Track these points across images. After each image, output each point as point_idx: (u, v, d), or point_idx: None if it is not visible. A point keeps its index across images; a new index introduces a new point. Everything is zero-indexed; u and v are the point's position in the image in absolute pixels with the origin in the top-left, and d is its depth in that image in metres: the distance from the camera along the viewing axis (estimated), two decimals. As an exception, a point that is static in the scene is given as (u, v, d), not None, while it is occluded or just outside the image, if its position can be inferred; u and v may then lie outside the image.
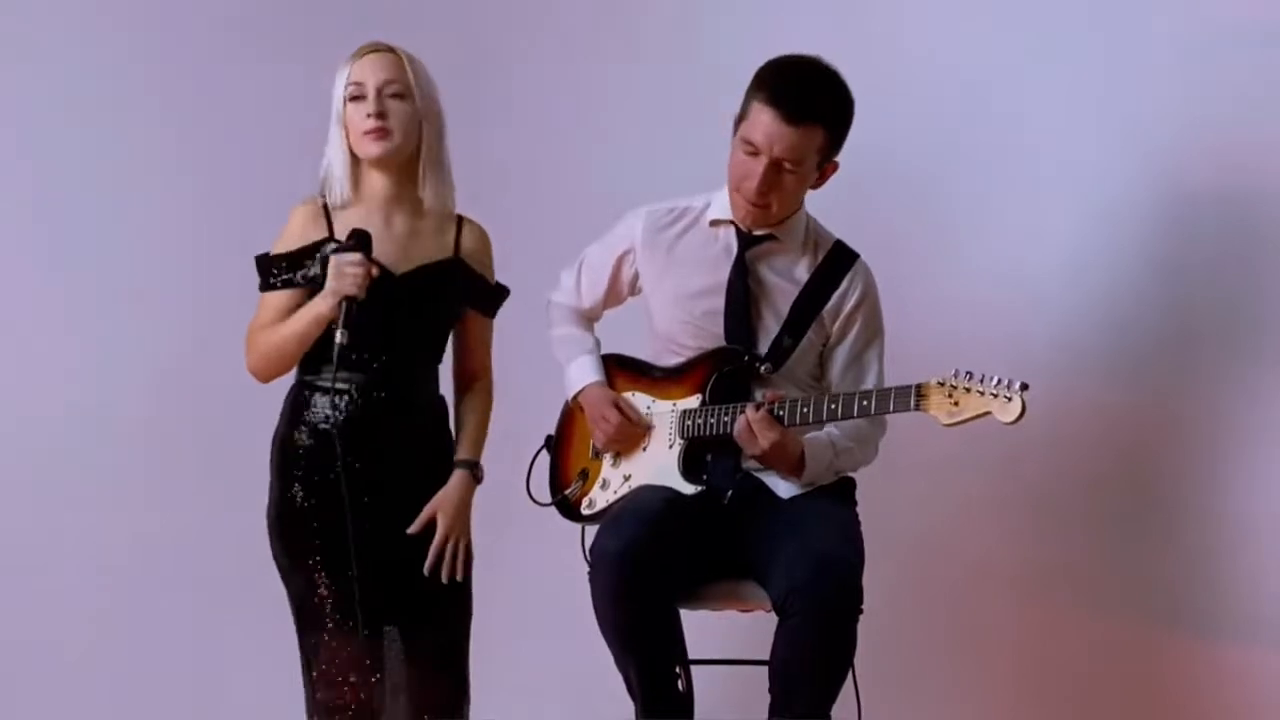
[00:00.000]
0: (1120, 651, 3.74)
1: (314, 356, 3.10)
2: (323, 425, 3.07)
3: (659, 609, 3.05)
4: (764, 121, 3.10)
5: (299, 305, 3.07)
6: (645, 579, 3.01)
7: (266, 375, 3.12)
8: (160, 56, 4.12)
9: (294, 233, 3.11)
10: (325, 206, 3.11)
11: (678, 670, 3.11)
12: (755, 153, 3.12)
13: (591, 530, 3.30)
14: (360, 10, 3.85)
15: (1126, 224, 3.76)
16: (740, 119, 3.18)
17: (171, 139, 4.12)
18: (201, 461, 4.07)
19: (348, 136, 3.08)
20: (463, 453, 3.18)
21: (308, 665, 3.08)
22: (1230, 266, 3.66)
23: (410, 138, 3.08)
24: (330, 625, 3.03)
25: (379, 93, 3.06)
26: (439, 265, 3.13)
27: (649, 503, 3.13)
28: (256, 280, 3.14)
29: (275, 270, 3.09)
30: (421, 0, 4.05)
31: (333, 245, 3.04)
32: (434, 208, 3.12)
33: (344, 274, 2.98)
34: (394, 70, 3.08)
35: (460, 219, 3.18)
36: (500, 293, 3.25)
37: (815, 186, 3.23)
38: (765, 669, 3.09)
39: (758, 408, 3.06)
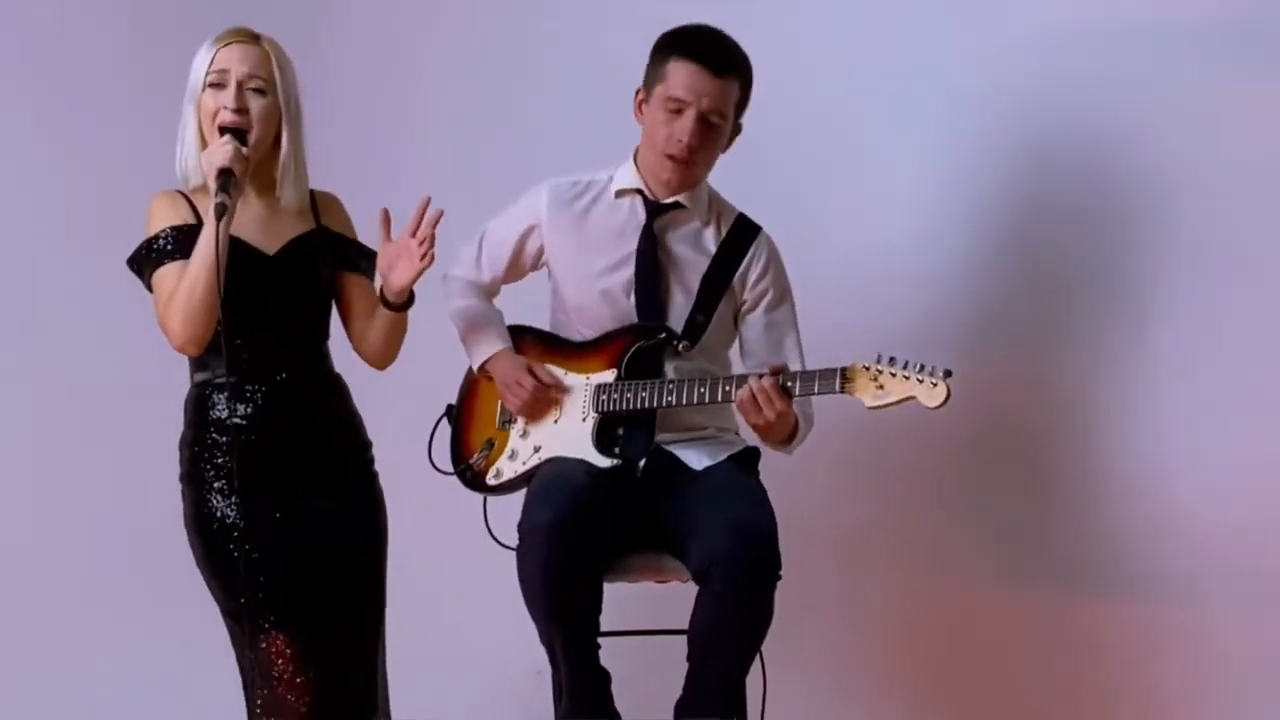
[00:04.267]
0: (991, 613, 3.84)
1: (201, 360, 3.02)
2: (233, 420, 3.00)
3: (588, 581, 3.07)
4: (688, 75, 3.16)
5: None
6: (577, 551, 3.02)
7: (195, 334, 2.93)
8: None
9: (163, 213, 3.01)
10: (184, 195, 3.02)
11: (599, 642, 3.14)
12: (680, 110, 3.16)
13: (496, 501, 3.31)
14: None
15: (989, 197, 3.84)
16: (653, 83, 3.20)
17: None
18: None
19: (200, 120, 2.99)
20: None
21: (250, 673, 3.02)
22: (1091, 236, 3.75)
23: (267, 133, 3.00)
24: (268, 630, 2.97)
25: (240, 86, 2.97)
26: (305, 238, 3.07)
27: (574, 476, 3.14)
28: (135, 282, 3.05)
29: (160, 244, 2.98)
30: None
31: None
32: (291, 204, 3.05)
33: (215, 152, 2.92)
34: (259, 64, 2.99)
35: (311, 192, 3.11)
36: (368, 251, 3.16)
37: (724, 149, 3.27)
38: (666, 639, 3.16)
39: (760, 377, 3.06)
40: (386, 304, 3.06)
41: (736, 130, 3.26)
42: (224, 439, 3.00)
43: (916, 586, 3.89)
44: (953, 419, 3.61)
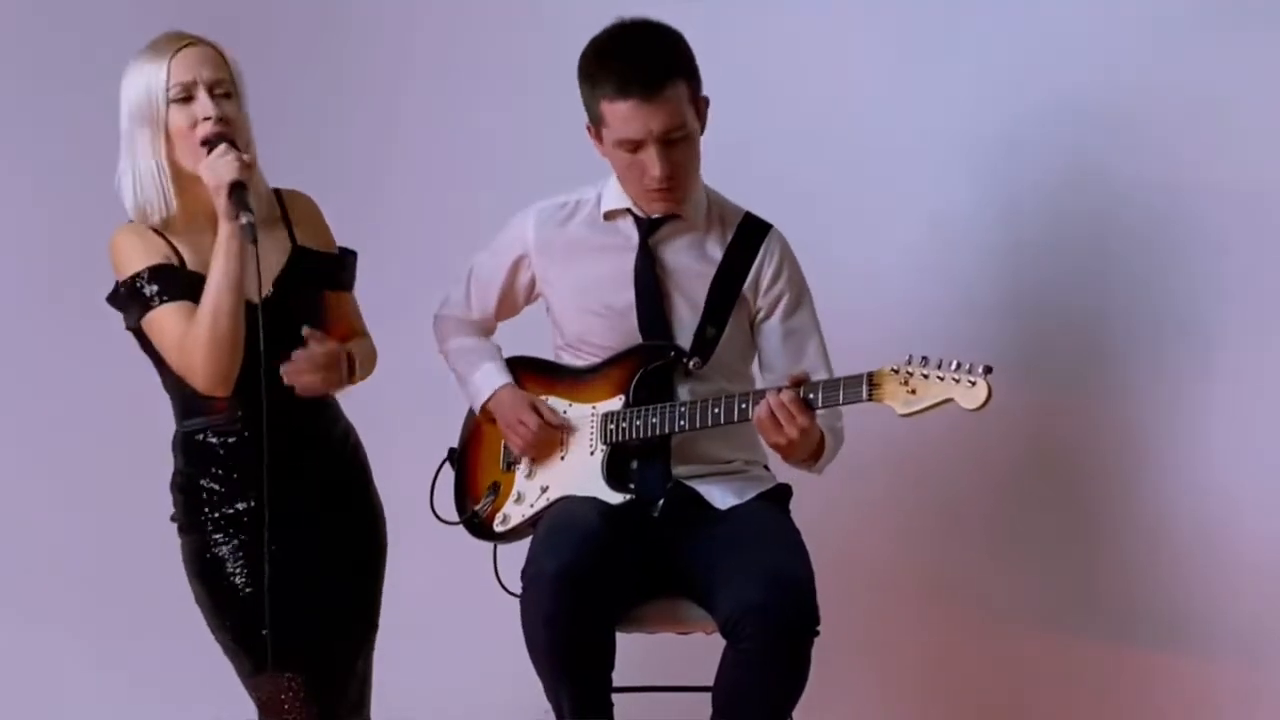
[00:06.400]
0: (1036, 663, 3.68)
1: (190, 406, 2.87)
2: (222, 469, 2.86)
3: (599, 633, 2.86)
4: (626, 113, 2.90)
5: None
6: (586, 601, 2.81)
7: (222, 370, 2.75)
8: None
9: (134, 252, 2.80)
10: (153, 229, 2.82)
11: (611, 700, 2.92)
12: (636, 147, 2.94)
13: (505, 549, 3.13)
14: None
15: (1036, 215, 3.67)
16: (597, 125, 2.99)
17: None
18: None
19: (168, 145, 2.78)
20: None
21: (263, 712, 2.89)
22: (1145, 261, 3.58)
23: (248, 138, 2.83)
24: (275, 670, 2.83)
25: (211, 92, 2.77)
26: (288, 269, 2.88)
27: (585, 517, 2.92)
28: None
29: (141, 285, 2.77)
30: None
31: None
32: (261, 210, 2.83)
33: (219, 166, 2.72)
34: (219, 66, 2.79)
35: (278, 195, 2.92)
36: (349, 260, 2.98)
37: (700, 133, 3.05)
38: (687, 696, 2.99)
39: (778, 391, 2.84)
40: None
41: (704, 105, 3.01)
42: (220, 489, 2.86)
43: (955, 634, 3.72)
44: (995, 452, 3.66)
